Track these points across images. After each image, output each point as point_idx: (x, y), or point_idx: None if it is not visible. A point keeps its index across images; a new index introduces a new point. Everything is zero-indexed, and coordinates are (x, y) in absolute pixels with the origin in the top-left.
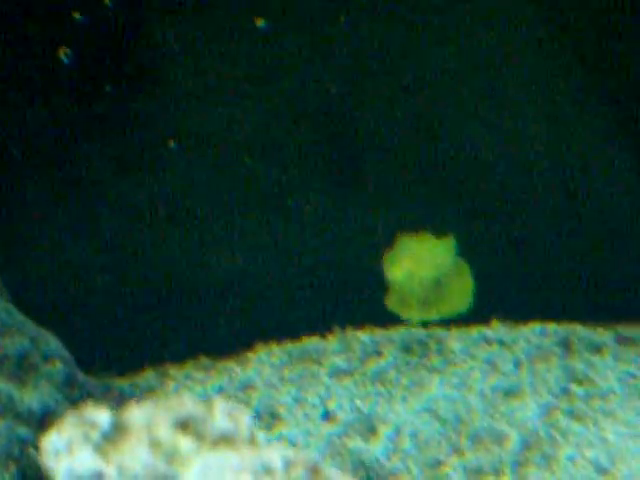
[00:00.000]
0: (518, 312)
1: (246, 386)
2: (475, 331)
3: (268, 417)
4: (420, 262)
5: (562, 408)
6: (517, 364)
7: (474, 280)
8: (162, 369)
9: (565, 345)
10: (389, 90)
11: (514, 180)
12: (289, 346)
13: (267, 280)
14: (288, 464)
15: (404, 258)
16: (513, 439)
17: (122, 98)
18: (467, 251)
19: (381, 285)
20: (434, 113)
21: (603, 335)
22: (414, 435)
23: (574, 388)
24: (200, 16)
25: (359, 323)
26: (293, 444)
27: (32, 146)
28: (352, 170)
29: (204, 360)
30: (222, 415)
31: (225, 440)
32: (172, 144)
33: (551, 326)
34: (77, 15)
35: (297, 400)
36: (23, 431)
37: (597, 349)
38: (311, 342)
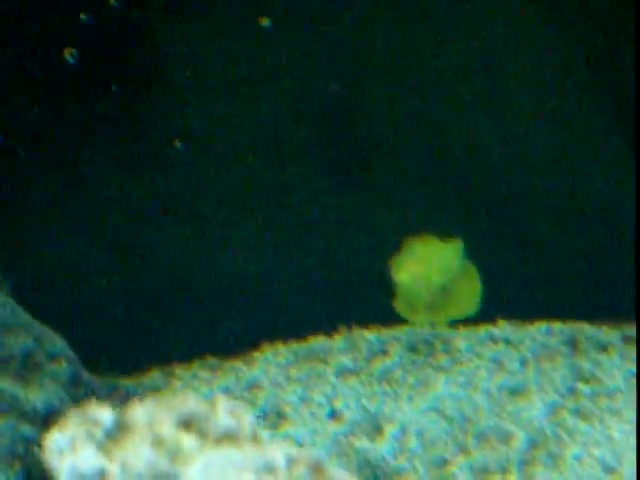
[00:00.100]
0: (524, 311)
1: (252, 385)
2: (481, 330)
3: (274, 416)
4: (428, 266)
5: (568, 407)
6: (523, 363)
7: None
8: (168, 369)
9: (572, 344)
10: (392, 90)
11: (519, 180)
12: (295, 345)
13: (274, 279)
14: (291, 462)
15: (412, 262)
16: (519, 438)
17: (127, 98)
18: (473, 250)
19: (387, 284)
20: (437, 113)
21: (609, 334)
22: (420, 434)
23: (580, 387)
24: (204, 16)
25: (365, 322)
26: (299, 443)
27: (37, 146)
28: (357, 169)
29: (211, 360)
30: (225, 413)
31: (228, 438)
32: (178, 144)
33: (557, 325)
34: (83, 15)
35: (303, 399)
36: (27, 430)
37: (603, 348)
38: (317, 341)
